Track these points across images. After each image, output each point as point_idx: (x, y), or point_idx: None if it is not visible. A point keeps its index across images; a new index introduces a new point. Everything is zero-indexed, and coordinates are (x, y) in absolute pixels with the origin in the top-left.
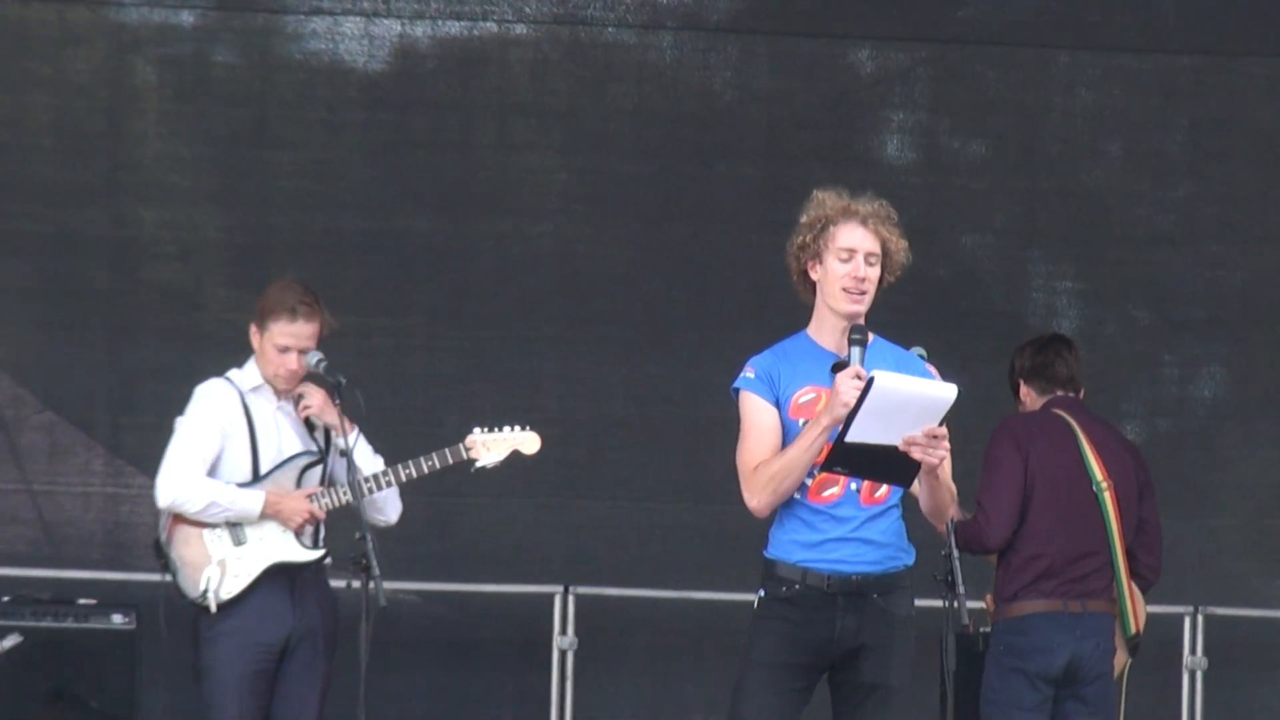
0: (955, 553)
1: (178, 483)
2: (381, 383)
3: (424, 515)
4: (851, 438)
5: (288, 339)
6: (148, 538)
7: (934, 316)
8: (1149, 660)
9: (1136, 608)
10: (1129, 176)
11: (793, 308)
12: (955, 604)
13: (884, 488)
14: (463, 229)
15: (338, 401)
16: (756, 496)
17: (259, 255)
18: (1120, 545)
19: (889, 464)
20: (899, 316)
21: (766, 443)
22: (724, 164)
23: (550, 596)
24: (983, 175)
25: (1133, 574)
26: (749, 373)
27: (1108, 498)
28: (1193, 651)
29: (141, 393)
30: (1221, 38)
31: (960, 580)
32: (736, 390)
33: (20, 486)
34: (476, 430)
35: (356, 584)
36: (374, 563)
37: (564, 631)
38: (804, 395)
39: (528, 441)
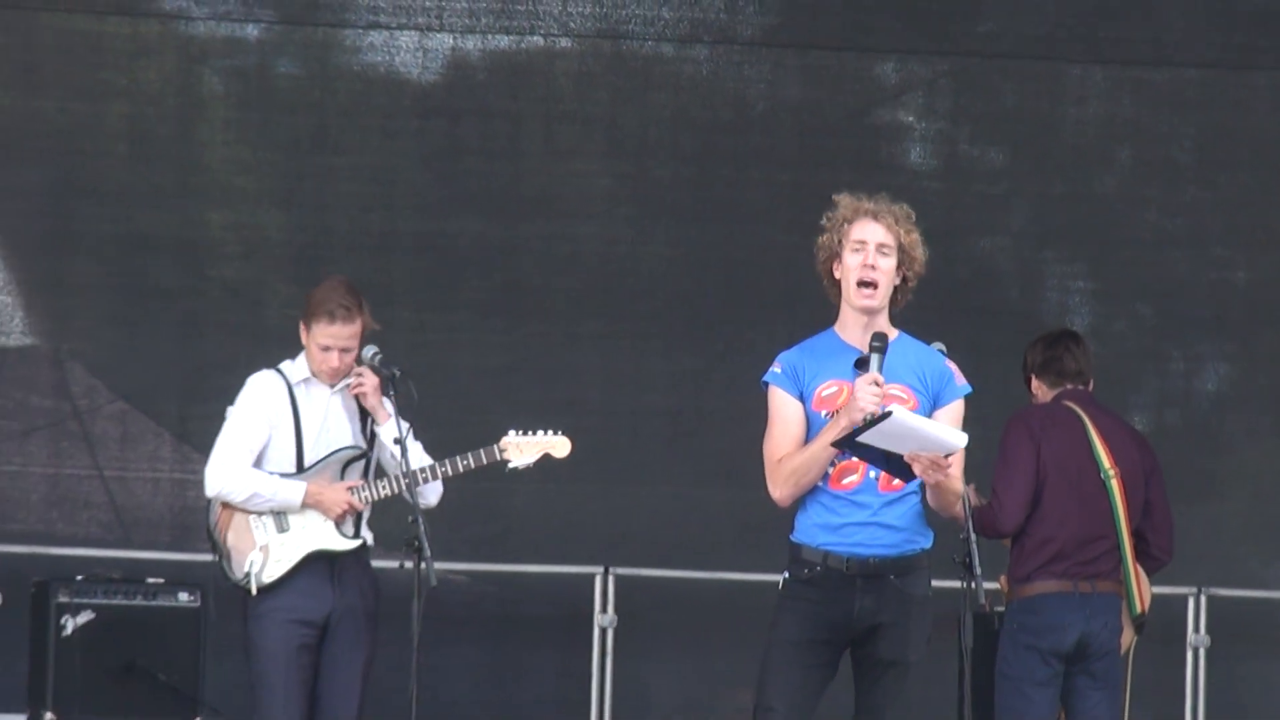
0: (973, 536)
1: (224, 473)
2: (432, 375)
3: (472, 500)
4: (862, 440)
5: (328, 339)
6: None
7: (954, 313)
8: (1155, 638)
9: (1142, 589)
10: (1138, 183)
11: (820, 304)
12: (973, 585)
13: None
14: (510, 230)
15: (391, 393)
16: (779, 488)
17: (318, 254)
18: (1127, 529)
19: (895, 462)
20: (921, 314)
21: (790, 434)
22: (757, 169)
23: (591, 577)
24: (1000, 181)
25: (1144, 555)
26: (776, 368)
27: (1115, 485)
28: (1196, 630)
29: (208, 384)
30: (1227, 51)
31: (977, 562)
32: (765, 384)
33: (93, 472)
34: (511, 433)
35: (409, 564)
36: (425, 544)
37: (604, 610)
38: (827, 389)
39: (559, 445)
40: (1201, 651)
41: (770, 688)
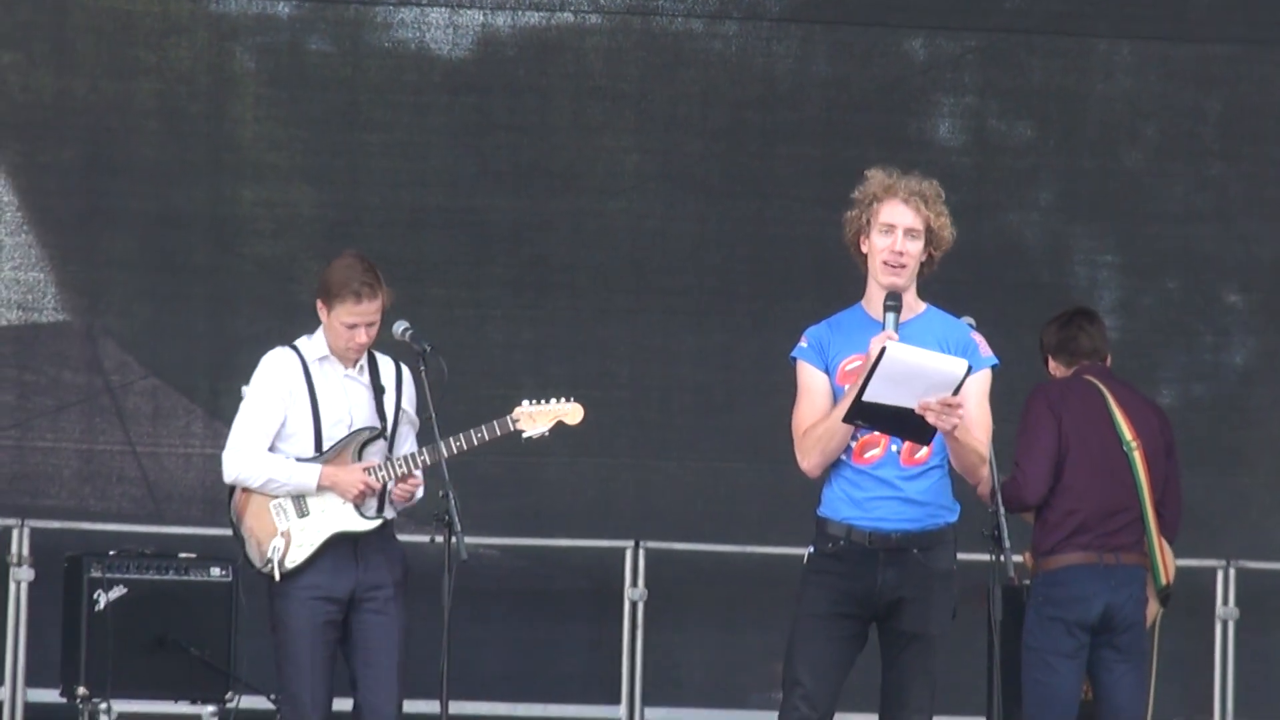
0: (1002, 510)
1: (239, 460)
2: (463, 350)
3: (503, 474)
4: (868, 398)
5: (354, 318)
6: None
7: (983, 288)
8: (1183, 610)
9: (1166, 560)
10: (1165, 157)
11: (848, 279)
12: (1001, 558)
13: (924, 450)
14: (540, 206)
15: (422, 368)
16: (807, 458)
17: (350, 230)
18: (1150, 501)
19: (908, 424)
20: (951, 288)
21: (817, 407)
22: (785, 145)
23: (622, 550)
24: (1028, 156)
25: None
26: (803, 343)
27: (1137, 456)
28: (1225, 602)
29: (239, 360)
30: (1252, 27)
31: (1006, 536)
32: (794, 359)
33: (125, 448)
34: (525, 403)
35: (439, 539)
36: (456, 519)
37: (635, 584)
38: (851, 363)
39: (571, 413)
40: (1230, 624)
41: (798, 661)
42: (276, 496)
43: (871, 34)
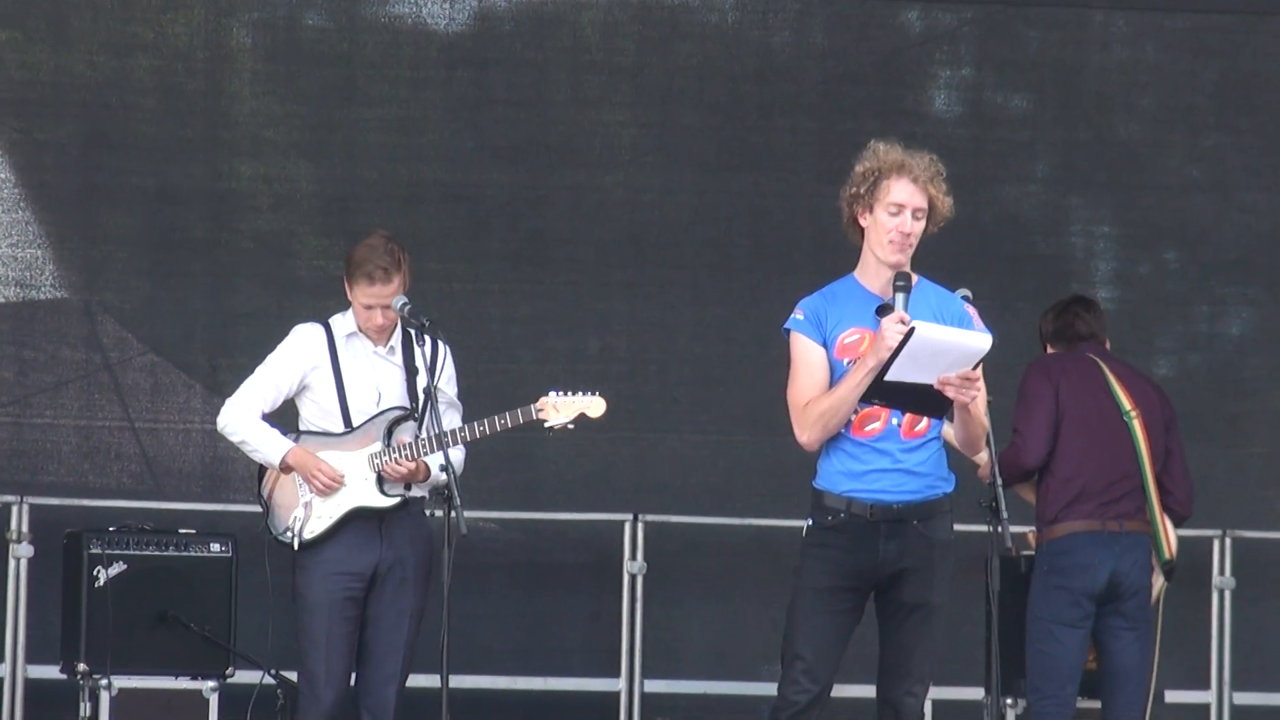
0: (999, 481)
1: (230, 413)
2: (461, 325)
3: (502, 449)
4: (890, 378)
5: (369, 299)
6: (244, 471)
7: (980, 260)
8: (1180, 581)
9: (1169, 534)
10: (1162, 128)
11: (846, 251)
12: (999, 529)
13: (924, 422)
14: (537, 180)
15: (421, 343)
16: (807, 432)
17: (347, 206)
18: (1151, 471)
19: (924, 399)
20: (947, 260)
21: (815, 380)
22: (782, 118)
23: (621, 524)
24: (1024, 127)
25: (1164, 507)
26: (799, 314)
27: (1137, 425)
28: (1221, 572)
29: (238, 335)
30: None
31: (1004, 506)
32: (787, 331)
33: (125, 424)
34: (552, 393)
35: (439, 513)
36: (456, 493)
37: (634, 557)
38: (849, 336)
39: (594, 405)
40: (1227, 594)
41: (799, 635)
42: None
43: (868, 6)
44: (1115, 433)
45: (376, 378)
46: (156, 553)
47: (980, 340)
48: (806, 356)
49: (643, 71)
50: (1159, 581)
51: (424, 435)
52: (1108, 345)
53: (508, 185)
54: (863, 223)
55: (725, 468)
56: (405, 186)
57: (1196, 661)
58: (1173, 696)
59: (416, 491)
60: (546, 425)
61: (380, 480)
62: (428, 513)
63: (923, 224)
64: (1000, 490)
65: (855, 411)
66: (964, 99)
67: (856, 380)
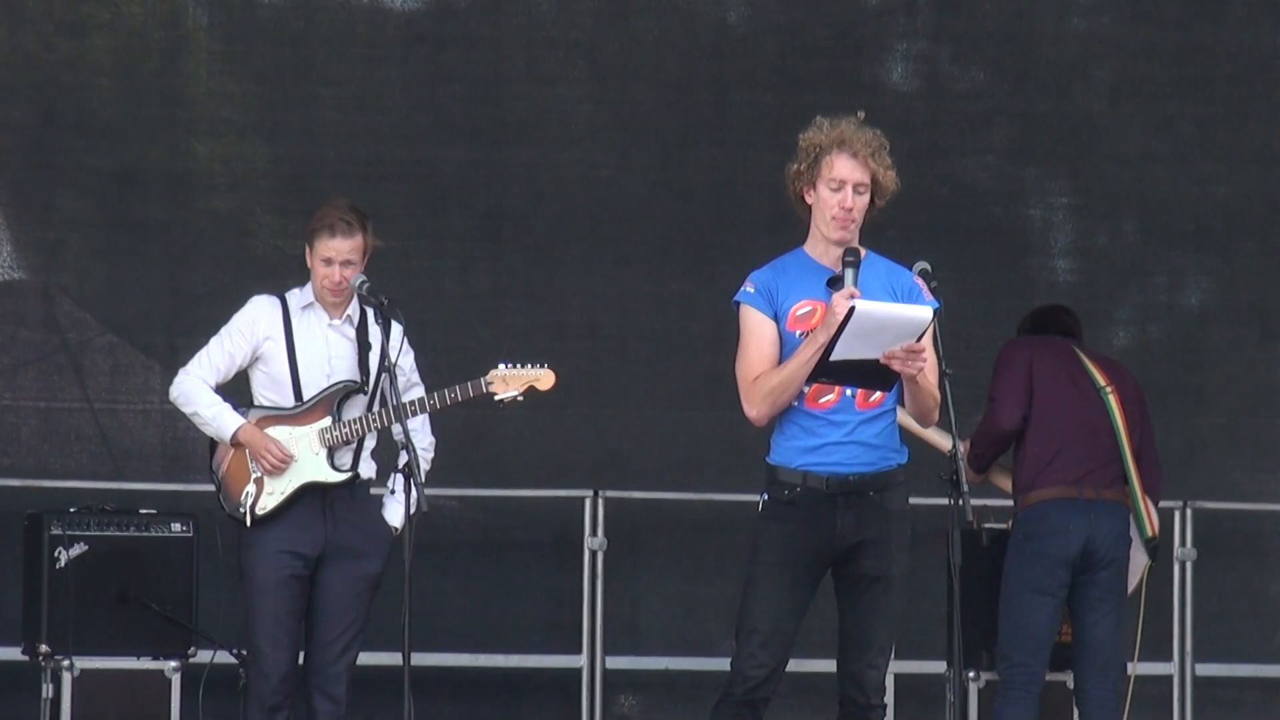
0: (960, 451)
1: (183, 383)
2: (420, 301)
3: (462, 426)
4: (835, 357)
5: (329, 251)
6: (203, 451)
7: (938, 232)
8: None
9: (1150, 511)
10: (1119, 99)
11: (802, 222)
12: (960, 502)
13: (877, 393)
14: (494, 156)
15: (379, 321)
16: (756, 407)
17: (305, 184)
18: (1128, 443)
19: (871, 373)
20: (907, 233)
21: (766, 354)
22: (739, 92)
23: (581, 500)
24: (982, 99)
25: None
26: (749, 287)
27: (1112, 399)
28: (1183, 544)
29: (196, 315)
30: None
31: (964, 479)
32: (737, 304)
33: (83, 405)
34: (501, 365)
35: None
36: (417, 471)
37: (594, 533)
38: (801, 308)
39: (543, 378)
40: (1188, 565)
41: (755, 610)
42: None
43: None
44: (1092, 405)
45: (329, 351)
46: (117, 533)
47: (921, 312)
48: (757, 329)
49: (599, 47)
50: (1143, 560)
51: (374, 410)
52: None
53: (465, 162)
54: (808, 199)
55: (685, 443)
56: (363, 165)
57: (1158, 633)
58: (1135, 668)
59: (365, 471)
60: (496, 398)
61: (331, 455)
62: (388, 490)
63: (866, 198)
64: (961, 463)
65: (808, 385)
66: (921, 71)
67: (807, 356)
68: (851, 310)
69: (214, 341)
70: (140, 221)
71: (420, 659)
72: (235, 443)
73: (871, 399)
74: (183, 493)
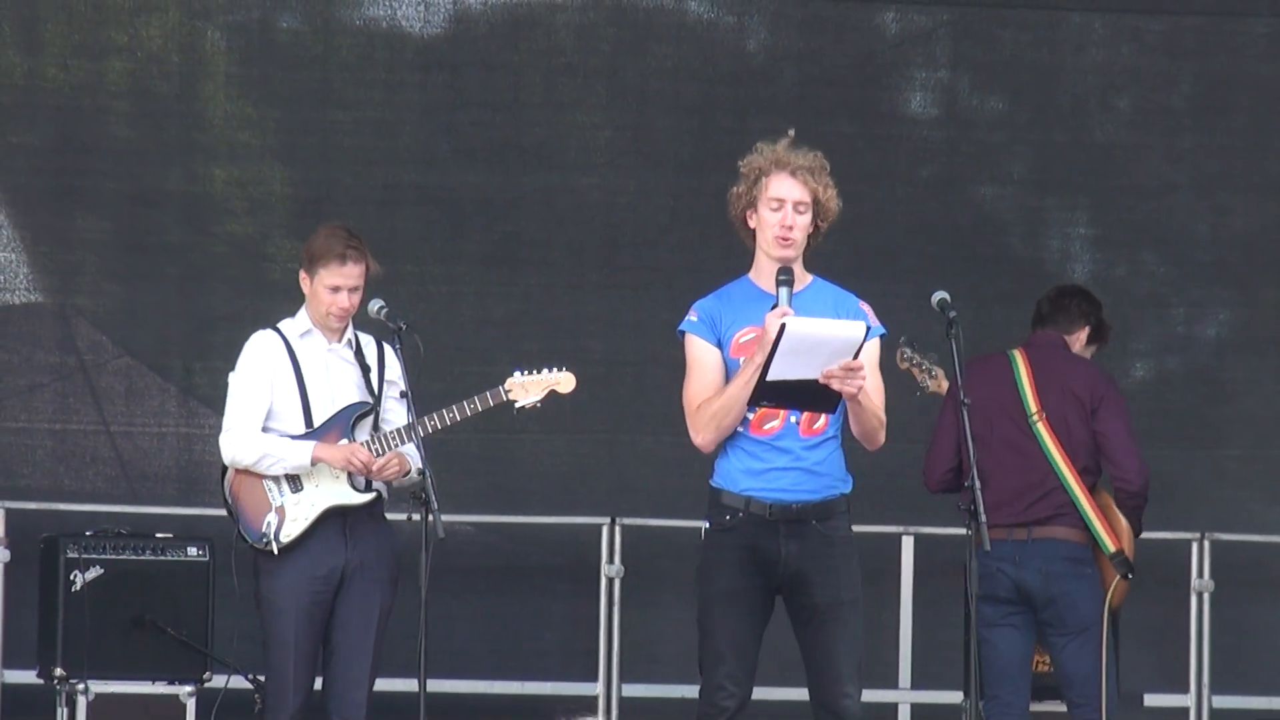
0: (977, 483)
1: (234, 441)
2: (436, 327)
3: (478, 451)
4: (771, 376)
5: (339, 280)
6: (219, 475)
7: (955, 262)
8: (1158, 583)
9: (1113, 527)
10: (1138, 130)
11: (818, 254)
12: (978, 532)
13: (822, 419)
14: (512, 182)
15: (397, 346)
16: (701, 433)
17: (322, 208)
18: (1068, 470)
19: (812, 395)
20: (925, 262)
21: (709, 381)
22: (757, 119)
23: (598, 527)
24: (1000, 129)
25: (1116, 490)
26: (692, 316)
27: (1041, 428)
28: (1200, 575)
29: (213, 338)
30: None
31: (982, 509)
32: (682, 333)
33: (100, 427)
34: (516, 373)
35: (416, 517)
36: (433, 497)
37: (611, 560)
38: (744, 335)
39: (563, 381)
40: (1205, 596)
41: (717, 640)
42: (272, 475)
43: (843, 8)
44: (1024, 440)
45: (332, 376)
46: (133, 557)
47: (854, 328)
48: (700, 358)
49: (617, 74)
50: (1110, 575)
51: (392, 430)
52: (1070, 341)
53: (483, 187)
54: (751, 224)
55: (702, 470)
56: (380, 189)
57: (1175, 664)
58: (1151, 700)
59: (381, 487)
60: (516, 405)
61: (352, 477)
62: (405, 517)
63: (807, 218)
64: (978, 493)
65: (753, 411)
66: (940, 101)
67: (745, 378)
68: (783, 327)
69: (236, 392)
70: (157, 245)
71: (436, 685)
72: (315, 462)
73: (816, 425)
74: (199, 516)
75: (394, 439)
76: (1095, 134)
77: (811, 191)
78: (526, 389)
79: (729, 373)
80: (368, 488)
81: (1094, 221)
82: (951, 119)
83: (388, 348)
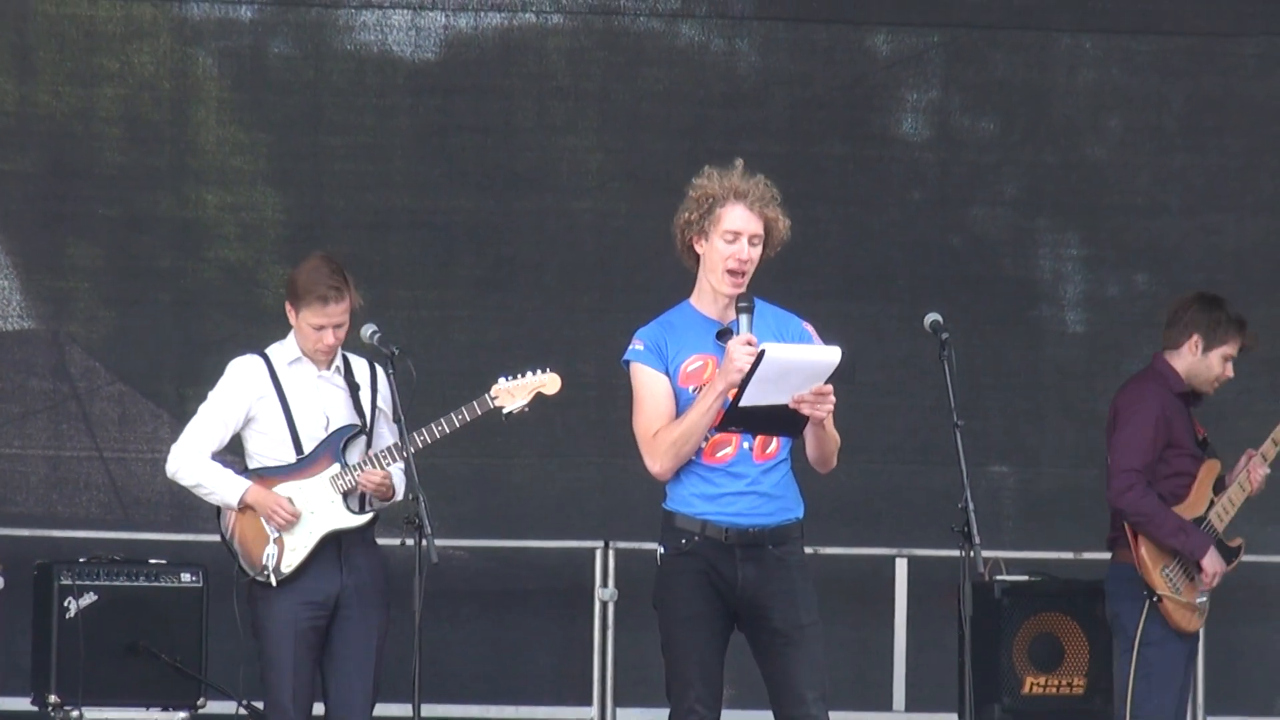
0: (971, 505)
1: (179, 458)
2: (429, 351)
3: (470, 475)
4: (745, 403)
5: (321, 320)
6: (215, 513)
7: (947, 283)
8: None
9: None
10: (1129, 150)
11: (811, 276)
12: (971, 554)
13: (774, 443)
14: (505, 206)
15: (390, 371)
16: (659, 462)
17: (314, 233)
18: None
19: (779, 419)
20: (917, 283)
21: (662, 409)
22: (749, 142)
23: (591, 551)
24: (992, 150)
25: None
26: (638, 345)
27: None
28: None
29: (206, 364)
30: (1213, 19)
31: (976, 531)
32: (627, 363)
33: (93, 454)
34: (502, 379)
35: (410, 542)
36: (426, 522)
37: (604, 584)
38: (692, 363)
39: (549, 383)
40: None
41: (684, 665)
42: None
43: (834, 30)
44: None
45: (323, 402)
46: (127, 583)
47: (829, 354)
48: (650, 386)
49: (609, 97)
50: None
51: (384, 449)
52: (1167, 352)
53: (475, 211)
54: (698, 249)
55: None
56: (372, 214)
57: None
58: None
59: (377, 513)
60: (504, 412)
61: (346, 500)
62: (399, 542)
63: (759, 249)
64: (972, 515)
65: (707, 438)
66: (931, 122)
67: (707, 405)
68: (761, 354)
69: (204, 410)
70: (150, 270)
71: (430, 710)
72: (243, 506)
73: (769, 450)
74: (192, 543)
75: (384, 457)
76: (1087, 154)
77: (765, 221)
78: (513, 394)
79: (678, 401)
80: (363, 509)
81: (1086, 242)
82: (943, 140)
83: (379, 369)
